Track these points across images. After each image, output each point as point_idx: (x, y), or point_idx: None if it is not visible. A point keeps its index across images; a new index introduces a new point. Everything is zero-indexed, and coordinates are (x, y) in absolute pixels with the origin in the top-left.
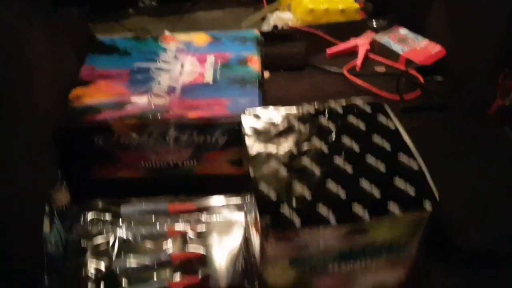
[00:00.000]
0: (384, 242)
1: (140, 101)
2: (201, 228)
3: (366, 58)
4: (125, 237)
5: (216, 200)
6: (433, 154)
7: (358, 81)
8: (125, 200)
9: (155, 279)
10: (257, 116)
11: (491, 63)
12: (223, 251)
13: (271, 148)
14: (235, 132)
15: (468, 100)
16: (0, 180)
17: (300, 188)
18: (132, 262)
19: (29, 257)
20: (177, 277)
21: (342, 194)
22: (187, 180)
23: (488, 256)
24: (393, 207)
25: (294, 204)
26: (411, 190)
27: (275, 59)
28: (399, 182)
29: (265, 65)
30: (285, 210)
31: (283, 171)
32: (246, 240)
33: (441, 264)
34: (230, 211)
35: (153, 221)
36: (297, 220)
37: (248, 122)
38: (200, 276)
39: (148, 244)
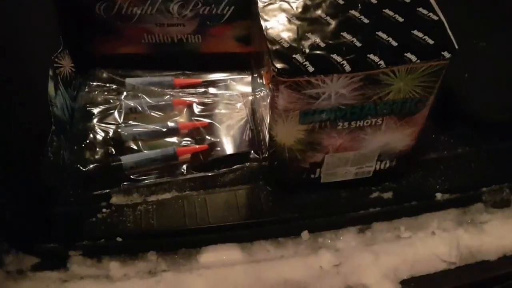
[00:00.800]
0: (397, 97)
1: None
2: (207, 100)
3: None
4: (131, 106)
5: (222, 75)
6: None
7: None
8: (130, 73)
9: (163, 144)
10: None
11: None
12: (230, 122)
13: (283, 0)
14: (242, 2)
15: None
16: (3, 41)
17: (313, 38)
18: (140, 128)
19: (36, 118)
20: (185, 143)
21: (358, 43)
22: (193, 57)
23: (495, 126)
24: (410, 56)
25: (307, 52)
26: (429, 40)
27: None
28: (418, 33)
29: None
30: (298, 57)
31: (296, 21)
32: (253, 112)
33: (449, 135)
34: (236, 85)
35: (159, 92)
36: (310, 67)
37: None
38: (207, 144)
39: (155, 113)
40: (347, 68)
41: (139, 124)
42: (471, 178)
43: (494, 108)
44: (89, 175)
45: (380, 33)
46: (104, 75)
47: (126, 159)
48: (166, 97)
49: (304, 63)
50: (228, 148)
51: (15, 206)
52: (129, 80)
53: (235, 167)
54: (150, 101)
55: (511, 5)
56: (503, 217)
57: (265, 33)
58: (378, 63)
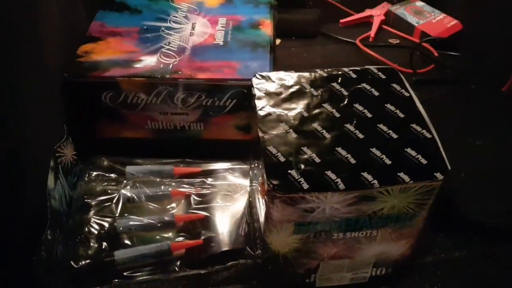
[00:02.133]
0: (391, 212)
1: (149, 60)
2: (205, 191)
3: (380, 29)
4: (129, 196)
5: (222, 165)
6: (444, 127)
7: (371, 52)
8: (131, 160)
9: (157, 238)
10: (268, 78)
11: (507, 39)
12: (226, 215)
13: (281, 111)
14: (243, 96)
15: (482, 75)
16: (6, 131)
17: (309, 152)
18: (135, 221)
19: (33, 211)
20: (180, 238)
21: (352, 160)
22: (194, 144)
23: (494, 230)
24: (404, 176)
25: (302, 167)
26: (422, 159)
27: (287, 26)
28: (411, 151)
29: (277, 32)
30: (293, 173)
31: (293, 134)
32: (250, 205)
33: (445, 237)
34: (235, 176)
35: (158, 182)
36: (305, 184)
37: (259, 84)
38: (202, 239)
39: (152, 205)
40: (341, 186)
41: (134, 217)
42: (469, 285)
43: (492, 212)
44: (81, 272)
45: (374, 150)
46: (105, 163)
47: (119, 254)
48: (165, 187)
49: (299, 180)
50: (223, 244)
51: None
52: (129, 169)
53: (229, 264)
54: (148, 191)
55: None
56: None
57: (262, 146)
58: (372, 182)
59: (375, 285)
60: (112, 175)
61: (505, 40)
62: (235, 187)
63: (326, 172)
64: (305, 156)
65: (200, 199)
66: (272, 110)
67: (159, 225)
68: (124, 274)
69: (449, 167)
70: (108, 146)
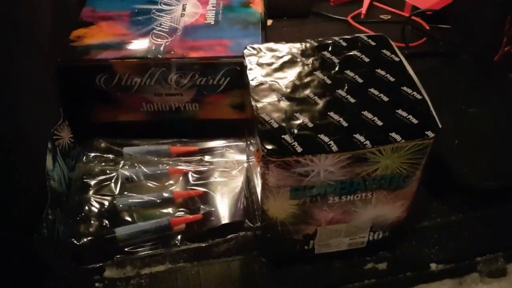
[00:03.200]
0: (385, 173)
1: (141, 42)
2: (203, 168)
3: (371, 6)
4: (128, 175)
5: (218, 143)
6: (437, 97)
7: (363, 29)
8: (128, 141)
9: (157, 214)
10: (259, 50)
11: (497, 9)
12: (224, 191)
13: (273, 80)
14: (237, 74)
15: (473, 47)
16: (4, 115)
17: (301, 118)
18: (135, 198)
19: (33, 192)
20: (179, 214)
21: (344, 123)
22: (190, 124)
23: (487, 193)
24: (395, 136)
25: (295, 132)
26: (413, 119)
27: (278, 6)
28: (402, 112)
29: (268, 13)
30: (287, 137)
31: (285, 102)
32: (248, 180)
33: (441, 202)
34: (231, 153)
35: (156, 161)
36: (298, 147)
37: (250, 56)
38: (201, 213)
39: (151, 183)
40: (334, 148)
41: (134, 195)
42: (465, 247)
43: (485, 176)
44: (83, 249)
45: (365, 113)
46: (102, 145)
47: (120, 231)
48: (162, 166)
49: (292, 144)
50: (223, 217)
51: (6, 281)
52: (126, 150)
53: (229, 236)
54: (146, 170)
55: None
56: (499, 287)
57: (255, 113)
58: (364, 143)
59: (373, 249)
60: (110, 156)
61: (495, 10)
62: (232, 164)
63: (319, 135)
64: (298, 122)
65: (198, 176)
66: (264, 79)
67: (158, 202)
68: (126, 250)
69: (440, 125)
70: (105, 130)
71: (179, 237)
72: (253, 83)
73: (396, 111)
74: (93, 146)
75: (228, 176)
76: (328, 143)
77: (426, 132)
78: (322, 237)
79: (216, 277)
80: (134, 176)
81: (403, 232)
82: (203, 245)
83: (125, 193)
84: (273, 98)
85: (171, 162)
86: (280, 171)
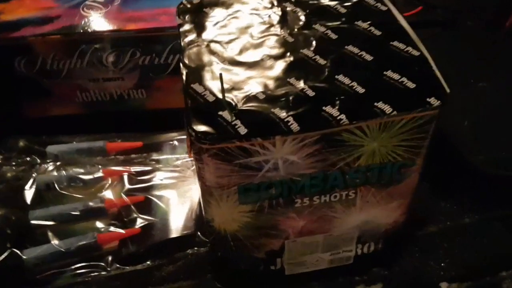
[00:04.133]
0: (372, 162)
1: (69, 15)
2: (146, 168)
3: None
4: (47, 182)
5: (169, 136)
6: (440, 70)
7: None
8: (54, 139)
9: (83, 230)
10: (200, 5)
11: None
12: (172, 195)
13: (214, 40)
14: None
15: (479, 12)
16: None
17: (250, 87)
18: (53, 211)
19: None
20: (110, 228)
21: (310, 92)
22: (137, 117)
23: (508, 184)
24: (383, 106)
25: (239, 106)
26: (409, 83)
27: None
28: (392, 74)
29: None
30: (225, 114)
31: (228, 67)
32: None
33: (451, 201)
34: (185, 148)
35: (87, 162)
36: (241, 128)
37: (186, 12)
38: (140, 226)
39: (78, 190)
40: (295, 127)
41: (53, 207)
42: (485, 258)
43: (504, 164)
44: None
45: (340, 77)
46: (21, 144)
47: (29, 253)
48: (94, 167)
49: (233, 123)
50: (168, 230)
51: None
52: (50, 149)
53: (176, 255)
54: (72, 173)
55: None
56: None
57: (184, 83)
58: (339, 118)
59: (363, 266)
60: (28, 158)
61: None
62: (185, 162)
63: (272, 110)
64: (244, 93)
65: (139, 178)
66: (201, 40)
67: (84, 213)
68: (38, 277)
69: (448, 90)
70: (35, 128)
71: (109, 258)
72: (185, 44)
73: (384, 72)
74: (7, 146)
75: (179, 178)
76: (286, 120)
77: (427, 99)
78: (292, 253)
79: None
80: (54, 182)
81: (402, 242)
82: (140, 268)
83: (43, 200)
84: (212, 63)
85: (106, 162)
86: (219, 163)
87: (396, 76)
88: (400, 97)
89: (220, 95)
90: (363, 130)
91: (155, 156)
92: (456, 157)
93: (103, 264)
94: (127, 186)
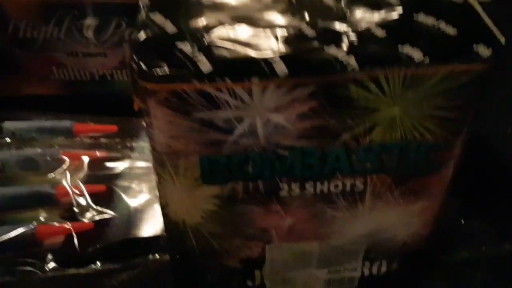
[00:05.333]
0: (389, 136)
1: None
2: (116, 154)
3: None
4: None
5: None
6: None
7: None
8: (14, 114)
9: (24, 221)
10: None
11: None
12: (141, 188)
13: None
14: None
15: None
16: None
17: (225, 17)
18: None
19: None
20: (55, 218)
21: (309, 30)
22: (120, 104)
23: None
24: (411, 50)
25: (207, 39)
26: (448, 28)
27: None
28: (425, 17)
29: None
30: (185, 46)
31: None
32: None
33: (488, 223)
34: None
35: (47, 143)
36: (206, 64)
37: None
38: (93, 221)
39: (28, 173)
40: (281, 68)
41: None
42: None
43: None
44: None
45: (354, 17)
46: None
47: None
48: (53, 148)
49: (195, 56)
50: (127, 229)
51: None
52: (7, 125)
53: (134, 260)
54: (23, 153)
55: None
56: None
57: (139, 15)
58: (345, 61)
59: None
60: None
61: None
62: None
63: (253, 47)
64: (217, 24)
65: (105, 165)
66: None
67: (29, 200)
68: None
69: (502, 39)
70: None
71: (50, 257)
72: None
73: (415, 14)
74: None
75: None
76: (270, 59)
77: (472, 47)
78: (275, 265)
79: None
80: (1, 161)
81: (424, 266)
82: (85, 272)
83: None
84: None
85: (68, 144)
86: (171, 115)
87: (430, 20)
88: (435, 42)
89: (184, 25)
90: (379, 83)
91: (129, 143)
92: (498, 169)
93: (39, 262)
94: (88, 172)
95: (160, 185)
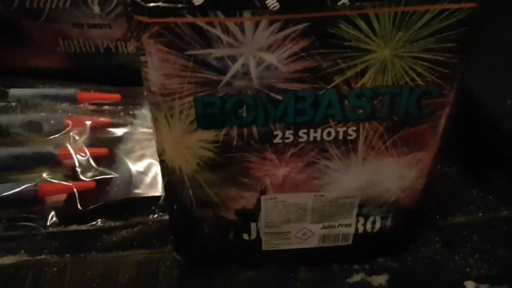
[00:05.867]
0: (382, 81)
1: None
2: (119, 121)
3: None
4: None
5: None
6: None
7: None
8: (22, 82)
9: (26, 179)
10: None
11: None
12: (143, 152)
13: None
14: None
15: None
16: None
17: None
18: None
19: None
20: (58, 178)
21: None
22: (125, 75)
23: None
24: None
25: None
26: None
27: None
28: None
29: None
30: None
31: None
32: None
33: (486, 191)
34: None
35: (51, 108)
36: None
37: None
38: (95, 179)
39: (32, 136)
40: (272, 2)
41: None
42: None
43: None
44: None
45: None
46: None
47: None
48: (57, 113)
49: None
50: (128, 188)
51: None
52: (14, 91)
53: (134, 219)
54: (28, 117)
55: None
56: None
57: None
58: None
59: (366, 250)
60: None
61: None
62: None
63: None
64: None
65: (107, 129)
66: None
67: (33, 161)
68: None
69: None
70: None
71: (52, 215)
72: None
73: None
74: None
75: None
76: None
77: None
78: (270, 217)
79: (93, 282)
80: (6, 124)
81: (419, 225)
82: (87, 228)
83: None
84: None
85: (72, 110)
86: (165, 52)
87: None
88: None
89: None
90: (369, 21)
91: (131, 111)
92: (496, 140)
93: (42, 219)
94: (90, 136)
95: (157, 129)
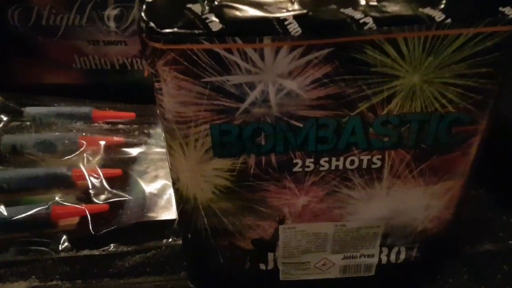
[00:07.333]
0: (409, 107)
1: None
2: (133, 140)
3: None
4: (14, 144)
5: None
6: None
7: None
8: (37, 100)
9: (38, 201)
10: None
11: None
12: (158, 174)
13: None
14: None
15: None
16: None
17: None
18: (9, 174)
19: None
20: (71, 200)
21: None
22: (138, 93)
23: None
24: (431, 11)
25: (219, 1)
26: None
27: None
28: None
29: None
30: (195, 7)
31: None
32: None
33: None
34: None
35: (65, 127)
36: (215, 23)
37: None
38: (108, 202)
39: (46, 156)
40: (294, 27)
41: (14, 169)
42: None
43: None
44: None
45: None
46: None
47: None
48: (71, 132)
49: (204, 16)
50: (142, 212)
51: None
52: (29, 110)
53: (147, 244)
54: (42, 136)
55: None
56: None
57: None
58: (362, 20)
59: (390, 281)
60: (2, 116)
61: None
62: None
63: (266, 7)
64: None
65: (122, 149)
66: None
67: (45, 182)
68: None
69: None
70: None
71: (65, 239)
72: None
73: None
74: None
75: None
76: (283, 18)
77: (498, 8)
78: (289, 247)
79: None
80: (20, 144)
81: (446, 255)
82: (99, 254)
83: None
84: None
85: (86, 129)
86: (181, 79)
87: None
88: (458, 2)
89: None
90: (397, 46)
91: (146, 129)
92: None
93: (54, 244)
94: (104, 156)
95: (171, 157)
